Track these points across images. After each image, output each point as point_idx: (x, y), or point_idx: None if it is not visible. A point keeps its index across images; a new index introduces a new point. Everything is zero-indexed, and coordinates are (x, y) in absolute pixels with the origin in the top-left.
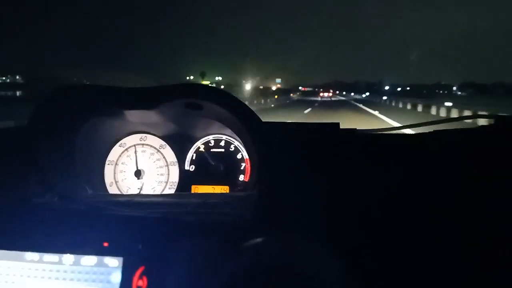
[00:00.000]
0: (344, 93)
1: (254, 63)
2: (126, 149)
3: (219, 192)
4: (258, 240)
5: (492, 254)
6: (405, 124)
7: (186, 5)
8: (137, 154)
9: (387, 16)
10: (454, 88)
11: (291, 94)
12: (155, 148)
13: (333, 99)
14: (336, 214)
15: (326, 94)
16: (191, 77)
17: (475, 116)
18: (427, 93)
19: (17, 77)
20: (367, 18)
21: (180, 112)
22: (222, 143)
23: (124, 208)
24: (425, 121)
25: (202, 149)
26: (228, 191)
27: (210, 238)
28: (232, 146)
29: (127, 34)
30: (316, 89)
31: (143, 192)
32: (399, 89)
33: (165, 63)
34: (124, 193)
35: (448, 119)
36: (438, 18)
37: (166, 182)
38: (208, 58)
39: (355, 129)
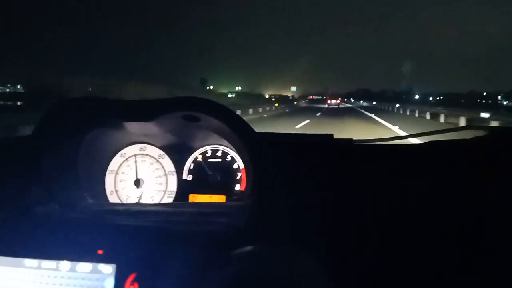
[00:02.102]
0: (362, 102)
1: (273, 72)
2: (127, 159)
3: (215, 201)
4: (247, 249)
5: (489, 270)
6: (406, 134)
7: (204, 15)
8: (137, 164)
9: (416, 22)
10: (499, 97)
11: (295, 102)
12: (154, 158)
13: (340, 106)
14: (330, 225)
15: (333, 101)
16: (211, 87)
17: (468, 127)
18: (465, 103)
19: (18, 86)
20: (393, 25)
21: (178, 124)
22: (219, 154)
23: (120, 217)
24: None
25: (199, 159)
26: (224, 200)
27: (202, 247)
28: (228, 157)
29: (141, 42)
30: (325, 97)
31: (142, 200)
32: (430, 98)
33: (179, 72)
34: (124, 202)
35: (443, 130)
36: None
37: (165, 191)
38: (227, 68)
39: (351, 139)
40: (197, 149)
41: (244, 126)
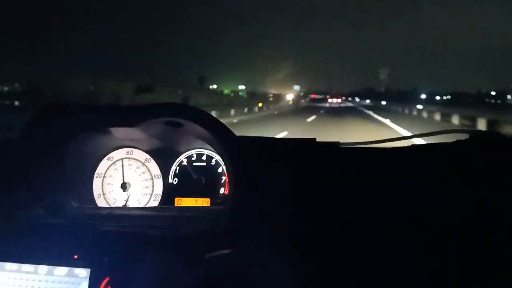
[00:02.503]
0: (368, 101)
1: (277, 70)
2: (114, 163)
3: (200, 204)
4: (219, 253)
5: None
6: (386, 138)
7: (207, 13)
8: (123, 167)
9: (421, 19)
10: (509, 97)
11: (290, 102)
12: (140, 161)
13: (341, 105)
14: (307, 230)
15: (334, 100)
16: (215, 86)
17: (450, 131)
18: (472, 102)
19: (16, 85)
20: (398, 21)
21: (162, 129)
22: (204, 158)
23: (101, 222)
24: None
25: (185, 163)
26: (209, 203)
27: (177, 251)
28: (213, 160)
29: (142, 41)
30: (327, 96)
31: (129, 203)
32: (437, 97)
33: (181, 71)
34: (111, 205)
35: (426, 134)
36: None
37: (151, 194)
38: (231, 66)
39: (337, 142)
40: (182, 153)
41: (225, 131)
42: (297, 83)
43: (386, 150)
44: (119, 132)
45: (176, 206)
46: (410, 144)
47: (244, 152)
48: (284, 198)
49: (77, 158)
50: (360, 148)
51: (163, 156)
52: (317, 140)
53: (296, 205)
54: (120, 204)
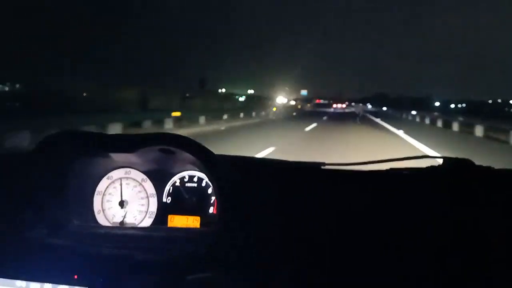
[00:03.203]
0: (384, 108)
1: (286, 75)
2: (113, 181)
3: (191, 222)
4: (199, 276)
5: None
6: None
7: (216, 16)
8: (122, 186)
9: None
10: None
11: (273, 110)
12: (137, 181)
13: (346, 110)
14: (289, 252)
15: (339, 106)
16: (223, 90)
17: (425, 156)
18: (490, 111)
19: (17, 85)
20: (410, 25)
21: (157, 154)
22: (195, 179)
23: (99, 242)
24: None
25: (178, 183)
26: (199, 221)
27: (162, 274)
28: (204, 182)
29: (147, 43)
30: (331, 102)
31: (126, 219)
32: (452, 105)
33: (188, 75)
34: (110, 220)
35: (402, 158)
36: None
37: (146, 212)
38: (240, 70)
39: (323, 163)
40: (176, 174)
41: (211, 159)
42: (305, 88)
43: (367, 173)
44: (119, 156)
45: (168, 227)
46: (388, 168)
47: (229, 176)
48: (268, 221)
49: (79, 178)
50: (343, 171)
51: (158, 177)
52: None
53: (279, 227)
54: (118, 220)
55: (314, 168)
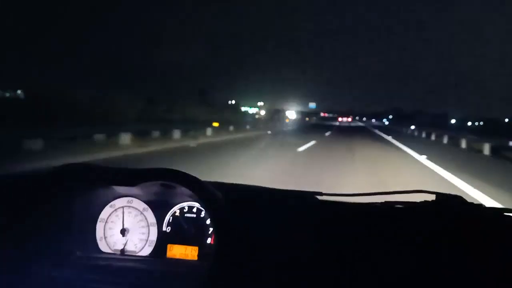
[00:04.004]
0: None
1: (296, 87)
2: (115, 210)
3: (189, 251)
4: None
5: None
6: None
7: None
8: (124, 214)
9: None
10: None
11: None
12: (139, 210)
13: (352, 124)
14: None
15: (345, 119)
16: (233, 101)
17: (419, 191)
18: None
19: (18, 91)
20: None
21: (158, 187)
22: (194, 210)
23: (100, 276)
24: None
25: (177, 213)
26: (197, 251)
27: None
28: (202, 213)
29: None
30: (336, 115)
31: (127, 247)
32: (469, 123)
33: (193, 87)
34: (111, 247)
35: (397, 192)
36: None
37: (146, 240)
38: (251, 83)
39: (319, 193)
40: (176, 205)
41: (208, 193)
42: (316, 100)
43: (363, 206)
44: (121, 188)
45: (167, 258)
46: (383, 201)
47: (225, 210)
48: (264, 252)
49: (83, 207)
50: (339, 202)
51: (158, 207)
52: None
53: (275, 259)
54: (119, 247)
55: (310, 198)
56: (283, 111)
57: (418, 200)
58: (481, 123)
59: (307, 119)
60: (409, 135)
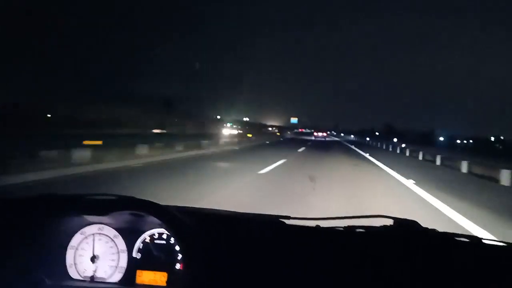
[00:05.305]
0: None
1: (278, 103)
2: (86, 237)
3: (158, 277)
4: None
5: None
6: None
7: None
8: (94, 241)
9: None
10: None
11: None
12: (109, 237)
13: (327, 139)
14: None
15: (320, 134)
16: (218, 116)
17: (377, 216)
18: (503, 149)
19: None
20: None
21: (128, 215)
22: (164, 236)
23: None
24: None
25: (147, 240)
26: (166, 277)
27: None
28: (172, 239)
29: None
30: (313, 131)
31: (97, 274)
32: (458, 141)
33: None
34: (81, 274)
35: (358, 216)
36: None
37: (116, 267)
38: (235, 99)
39: (287, 217)
40: (146, 232)
41: (176, 222)
42: (295, 116)
43: (327, 230)
44: (92, 217)
45: (136, 284)
46: (346, 225)
47: (193, 237)
48: (231, 278)
49: (54, 234)
50: (304, 227)
51: (129, 234)
52: None
53: (243, 284)
54: (89, 274)
55: (277, 223)
56: (265, 126)
57: (378, 225)
58: (471, 141)
59: (288, 133)
60: (390, 152)
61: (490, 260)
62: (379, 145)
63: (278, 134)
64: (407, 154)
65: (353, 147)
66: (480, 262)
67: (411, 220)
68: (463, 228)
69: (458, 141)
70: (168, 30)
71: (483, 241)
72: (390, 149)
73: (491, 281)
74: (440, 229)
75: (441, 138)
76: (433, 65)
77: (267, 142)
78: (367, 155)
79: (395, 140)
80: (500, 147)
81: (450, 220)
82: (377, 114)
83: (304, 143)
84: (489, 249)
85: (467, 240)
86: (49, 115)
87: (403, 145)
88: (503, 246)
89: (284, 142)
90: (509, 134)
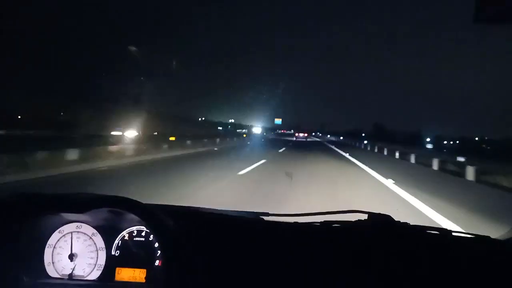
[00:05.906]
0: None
1: (262, 104)
2: (64, 235)
3: (137, 274)
4: None
5: None
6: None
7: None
8: (72, 240)
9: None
10: None
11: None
12: (88, 235)
13: (308, 139)
14: None
15: (301, 135)
16: (203, 118)
17: (352, 211)
18: (491, 151)
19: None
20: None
21: (106, 213)
22: (143, 234)
23: None
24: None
25: (126, 237)
26: (145, 274)
27: None
28: (150, 236)
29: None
30: (294, 131)
31: (75, 272)
32: (445, 142)
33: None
34: (60, 273)
35: (334, 212)
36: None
37: (95, 265)
38: (222, 101)
39: (266, 213)
40: (125, 229)
41: (155, 219)
42: (279, 117)
43: (304, 225)
44: (70, 215)
45: (115, 281)
46: (322, 220)
47: (171, 234)
48: (211, 274)
49: (31, 233)
50: (282, 223)
51: (107, 231)
52: None
53: (221, 280)
54: (67, 272)
55: (255, 220)
56: (247, 127)
57: (353, 219)
58: (457, 142)
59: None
60: (369, 150)
61: (458, 250)
62: (362, 146)
63: (244, 136)
64: (385, 153)
65: (333, 147)
66: (449, 252)
67: (385, 214)
68: (421, 212)
69: (445, 142)
70: (149, 31)
71: (453, 233)
72: (369, 148)
73: (460, 270)
74: (412, 221)
75: (428, 139)
76: (428, 65)
77: (215, 148)
78: (347, 155)
79: (365, 142)
80: (488, 147)
81: (411, 206)
82: (367, 115)
83: (278, 146)
84: (457, 240)
85: (438, 233)
86: None
87: (380, 145)
88: (470, 237)
89: (248, 146)
90: (496, 135)
